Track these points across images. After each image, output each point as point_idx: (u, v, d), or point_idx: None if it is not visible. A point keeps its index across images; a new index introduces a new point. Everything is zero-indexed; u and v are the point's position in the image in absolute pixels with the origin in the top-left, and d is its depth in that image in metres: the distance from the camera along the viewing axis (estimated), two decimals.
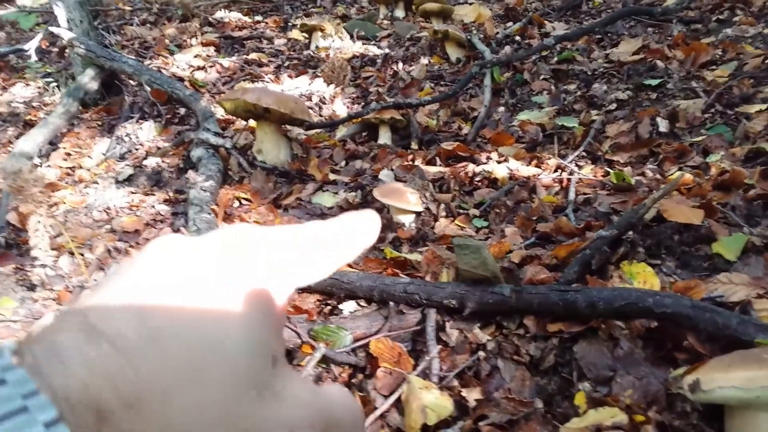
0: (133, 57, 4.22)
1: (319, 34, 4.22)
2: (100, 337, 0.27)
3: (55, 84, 4.19)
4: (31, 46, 4.35)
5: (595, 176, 2.12)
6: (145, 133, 3.34)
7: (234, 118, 3.24)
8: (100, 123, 3.68)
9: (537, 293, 1.32)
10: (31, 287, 1.92)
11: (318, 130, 2.91)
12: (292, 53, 4.13)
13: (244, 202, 2.32)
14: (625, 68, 2.99)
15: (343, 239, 0.36)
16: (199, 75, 3.92)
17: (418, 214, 1.97)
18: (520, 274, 1.47)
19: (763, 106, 2.33)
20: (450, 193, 2.08)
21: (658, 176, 2.02)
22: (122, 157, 3.23)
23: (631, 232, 1.52)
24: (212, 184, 2.29)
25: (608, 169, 2.16)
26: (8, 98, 4.02)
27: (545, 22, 4.02)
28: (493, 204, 2.00)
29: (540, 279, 1.42)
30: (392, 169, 2.37)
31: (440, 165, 2.37)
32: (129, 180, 2.87)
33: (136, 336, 0.27)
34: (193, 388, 0.27)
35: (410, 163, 2.44)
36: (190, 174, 2.31)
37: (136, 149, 3.22)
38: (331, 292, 1.56)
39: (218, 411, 0.28)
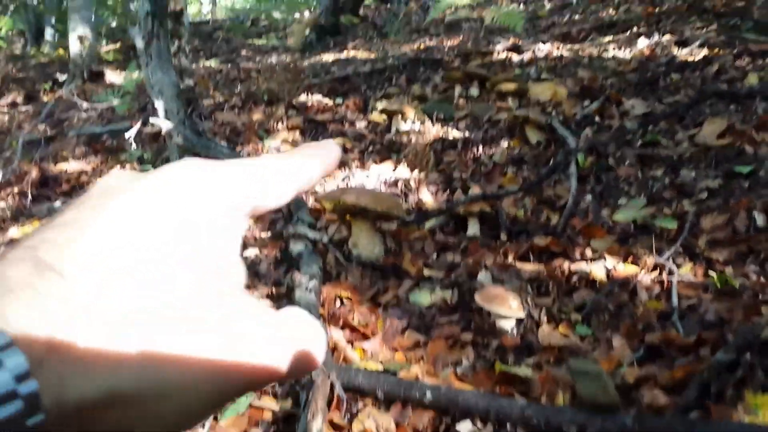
0: (226, 143, 4.49)
1: (400, 117, 4.39)
2: (51, 270, 0.27)
3: (151, 168, 4.49)
4: (130, 134, 4.69)
5: (695, 276, 2.12)
6: None
7: (325, 208, 3.39)
8: None
9: (660, 424, 1.34)
10: None
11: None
12: (374, 137, 4.31)
13: (345, 300, 2.42)
14: (712, 153, 2.99)
15: (302, 167, 0.37)
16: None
17: (519, 320, 2.01)
18: (636, 397, 1.49)
19: None
20: (549, 296, 2.12)
21: (762, 279, 2.00)
22: None
23: (748, 353, 1.52)
24: (316, 284, 2.40)
25: (708, 269, 2.16)
26: None
27: (623, 99, 4.07)
28: (594, 308, 2.03)
29: (659, 405, 1.44)
30: (486, 266, 2.44)
31: (534, 262, 2.41)
32: None
33: (86, 266, 0.28)
34: (151, 317, 0.28)
35: (503, 259, 2.50)
36: (297, 275, 2.43)
37: None
38: (446, 410, 1.62)
39: None
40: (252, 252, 3.09)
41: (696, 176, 2.85)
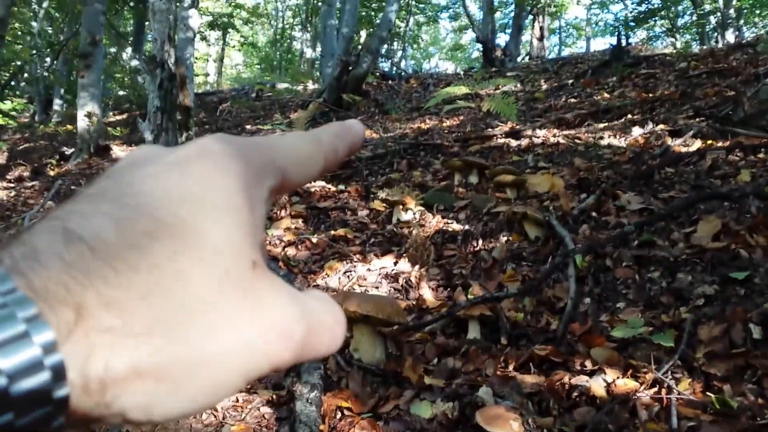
0: None
1: (401, 207, 4.48)
2: (80, 240, 0.27)
3: None
4: None
5: (694, 393, 2.14)
6: None
7: None
8: None
9: None
10: None
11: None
12: (376, 228, 4.39)
13: (345, 411, 2.43)
14: (708, 255, 3.05)
15: (337, 138, 0.39)
16: (290, 251, 4.19)
17: None
18: None
19: None
20: (550, 415, 2.14)
21: (760, 400, 2.02)
22: None
23: None
24: (317, 395, 2.42)
25: (707, 384, 2.18)
26: None
27: (619, 193, 4.16)
28: (595, 428, 2.04)
29: None
30: (488, 377, 2.46)
31: (535, 373, 2.44)
32: None
33: (114, 238, 0.28)
34: (175, 287, 0.28)
35: (504, 367, 2.53)
36: (297, 386, 2.45)
37: None
38: None
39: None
40: None
41: (692, 281, 2.90)
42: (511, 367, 2.53)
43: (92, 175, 8.53)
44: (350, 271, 3.76)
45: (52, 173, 9.42)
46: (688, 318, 2.63)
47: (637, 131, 5.73)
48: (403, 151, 6.32)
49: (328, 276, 3.76)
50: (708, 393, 2.13)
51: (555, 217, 3.70)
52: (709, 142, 4.95)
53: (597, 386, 2.24)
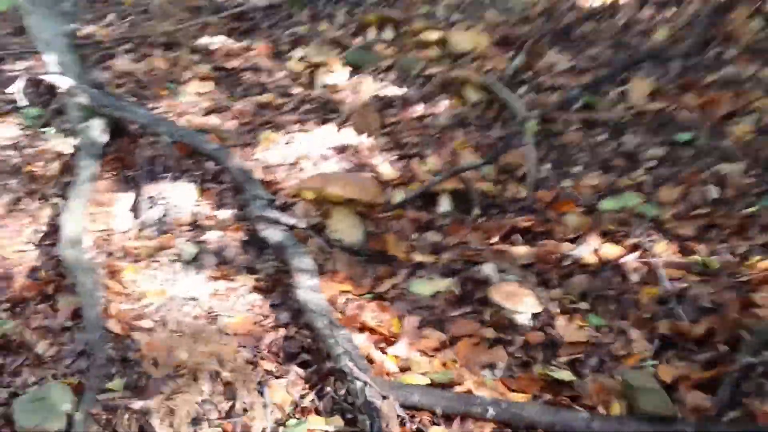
0: (135, 100, 4.11)
1: (324, 69, 4.23)
2: None
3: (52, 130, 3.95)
4: (15, 89, 4.07)
5: (673, 254, 2.36)
6: (183, 194, 3.30)
7: (278, 180, 3.27)
8: (115, 174, 3.58)
9: (719, 430, 1.54)
10: None
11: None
12: (302, 92, 4.13)
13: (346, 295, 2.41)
14: (649, 117, 3.24)
15: None
16: (214, 120, 3.87)
17: (535, 313, 2.14)
18: (678, 398, 1.69)
19: None
20: (553, 287, 2.27)
21: (732, 257, 2.28)
22: (161, 222, 3.19)
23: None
24: (316, 282, 2.36)
25: (681, 246, 2.40)
26: None
27: (543, 50, 4.20)
28: (598, 295, 2.21)
29: (704, 407, 1.64)
30: (479, 249, 2.53)
31: (524, 244, 2.54)
32: (195, 259, 2.86)
33: None
34: None
35: (486, 239, 2.61)
36: (296, 277, 2.36)
37: (178, 214, 3.19)
38: (509, 425, 1.73)
39: None
40: (215, 235, 2.93)
41: (640, 143, 3.08)
42: (495, 239, 2.62)
43: None
44: (290, 143, 3.56)
45: None
46: (646, 180, 2.83)
47: None
48: (301, 0, 5.84)
49: (266, 149, 3.54)
50: (685, 254, 2.36)
51: (495, 80, 3.68)
52: None
53: (586, 254, 2.39)
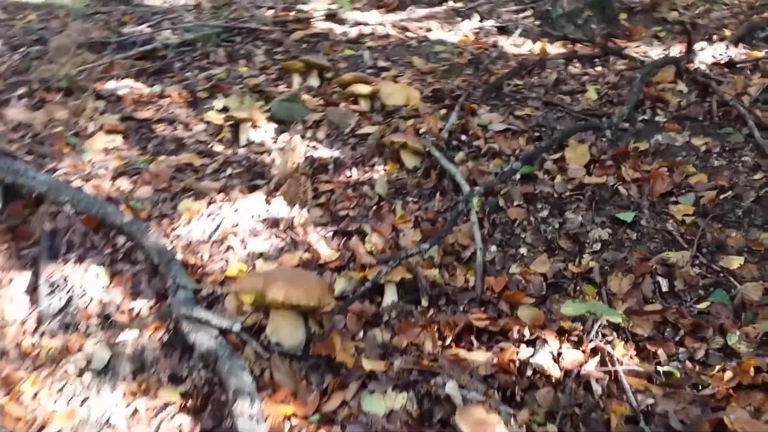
0: (32, 159, 3.67)
1: (249, 125, 3.95)
2: None
3: None
4: None
5: (632, 359, 2.29)
6: (90, 278, 2.95)
7: (203, 263, 2.98)
8: (6, 248, 3.16)
9: None
10: None
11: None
12: (226, 151, 3.83)
13: (292, 419, 2.17)
14: (589, 192, 3.19)
15: None
16: (125, 184, 3.50)
17: None
18: None
19: (741, 259, 2.66)
20: (523, 407, 2.13)
21: (694, 365, 2.23)
22: (65, 314, 2.83)
23: None
24: (258, 409, 2.11)
25: (638, 347, 2.34)
26: None
27: (475, 107, 4.12)
28: (565, 414, 2.09)
29: None
30: (431, 354, 2.36)
31: (479, 348, 2.40)
32: (108, 366, 2.53)
33: None
34: None
35: (441, 342, 2.45)
36: (235, 404, 2.10)
37: (85, 304, 2.84)
38: None
39: None
40: (130, 334, 2.60)
41: (582, 221, 3.02)
42: (448, 341, 2.46)
43: None
44: (214, 215, 3.26)
45: None
46: (594, 267, 2.76)
47: (466, 26, 5.67)
48: (216, 36, 5.51)
49: (188, 222, 3.23)
50: (644, 359, 2.29)
51: (433, 144, 3.55)
52: (541, 45, 5.09)
53: (547, 362, 2.27)
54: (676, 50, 4.64)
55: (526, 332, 2.44)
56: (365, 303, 2.71)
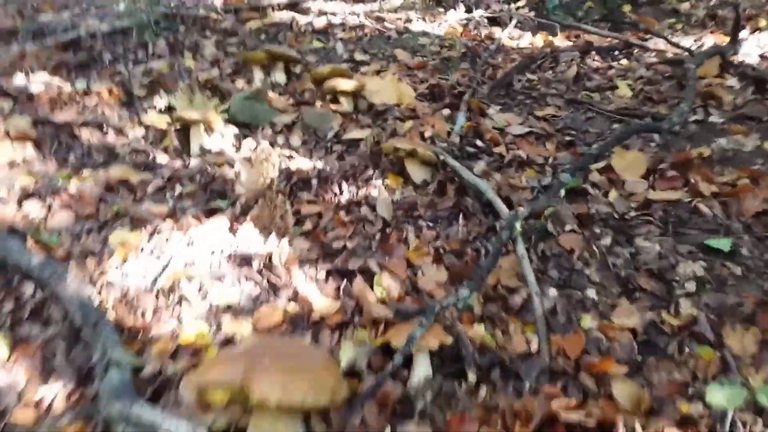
0: None
1: (201, 129, 3.06)
2: None
3: None
4: None
5: None
6: None
7: (145, 324, 2.08)
8: None
9: None
10: None
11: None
12: (174, 165, 2.92)
13: None
14: (659, 211, 2.46)
15: None
16: (35, 210, 2.57)
17: None
18: None
19: None
20: None
21: None
22: None
23: None
24: None
25: None
26: None
27: (484, 106, 3.36)
28: None
29: None
30: None
31: None
32: None
33: None
34: None
35: None
36: None
37: None
38: None
39: None
40: None
41: (662, 252, 2.27)
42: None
43: None
44: (160, 251, 2.36)
45: None
46: (699, 317, 2.01)
47: (451, 16, 4.91)
48: (155, 24, 4.57)
49: (122, 262, 2.32)
50: None
51: (449, 153, 2.75)
52: (542, 37, 4.38)
53: None
54: (710, 41, 3.99)
55: (638, 428, 1.65)
56: (388, 380, 1.87)
